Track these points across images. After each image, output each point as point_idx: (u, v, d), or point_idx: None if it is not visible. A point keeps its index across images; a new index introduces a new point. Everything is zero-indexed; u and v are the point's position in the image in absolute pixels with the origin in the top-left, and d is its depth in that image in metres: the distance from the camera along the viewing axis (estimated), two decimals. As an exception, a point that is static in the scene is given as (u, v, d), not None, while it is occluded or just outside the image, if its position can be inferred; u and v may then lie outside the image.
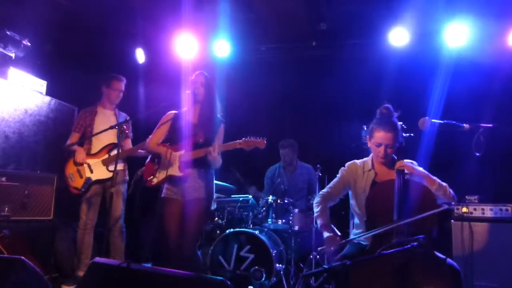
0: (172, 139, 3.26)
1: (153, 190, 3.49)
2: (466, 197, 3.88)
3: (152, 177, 3.25)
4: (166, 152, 3.18)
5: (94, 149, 3.97)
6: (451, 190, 2.67)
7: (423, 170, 2.72)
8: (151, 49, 5.54)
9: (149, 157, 3.38)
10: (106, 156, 3.95)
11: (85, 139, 3.98)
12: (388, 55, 4.84)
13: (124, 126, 3.31)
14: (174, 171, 3.16)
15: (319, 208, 2.85)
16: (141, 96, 5.43)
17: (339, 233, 2.65)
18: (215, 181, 3.36)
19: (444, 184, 2.68)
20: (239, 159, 4.78)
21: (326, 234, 2.63)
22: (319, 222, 2.79)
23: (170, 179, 3.19)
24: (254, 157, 5.17)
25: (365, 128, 2.89)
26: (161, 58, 5.45)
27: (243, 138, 3.07)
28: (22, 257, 1.90)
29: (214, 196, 3.38)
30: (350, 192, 2.94)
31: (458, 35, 4.53)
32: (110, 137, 3.94)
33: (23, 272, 1.85)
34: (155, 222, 4.87)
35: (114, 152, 3.92)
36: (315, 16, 5.02)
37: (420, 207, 2.43)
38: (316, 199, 2.92)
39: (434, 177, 2.69)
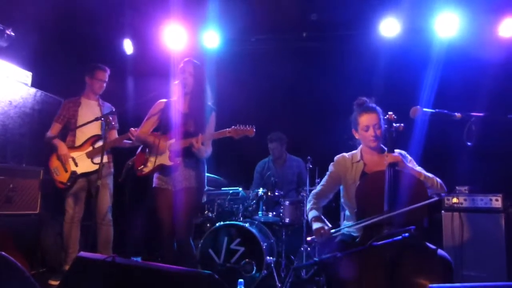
0: (163, 128, 3.20)
1: (143, 181, 3.44)
2: (457, 187, 3.89)
3: (142, 166, 3.22)
4: (155, 140, 3.14)
5: (78, 142, 3.89)
6: (438, 180, 2.63)
7: (410, 165, 2.69)
8: (139, 40, 5.44)
9: (140, 147, 3.34)
10: (90, 148, 3.87)
11: (69, 131, 3.91)
12: (379, 46, 4.82)
13: (110, 118, 3.23)
14: (164, 160, 3.13)
15: (310, 204, 2.83)
16: (129, 88, 5.34)
17: (329, 225, 2.61)
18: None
19: (430, 175, 2.64)
20: (230, 153, 4.73)
21: (315, 226, 2.60)
22: (309, 215, 2.76)
23: (160, 168, 3.16)
24: (245, 151, 5.16)
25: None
26: (150, 49, 5.36)
27: (232, 127, 3.05)
28: (2, 252, 1.84)
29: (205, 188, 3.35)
30: (341, 186, 2.91)
31: (449, 26, 4.52)
32: (94, 128, 3.86)
33: (3, 267, 1.80)
34: (146, 213, 4.83)
35: (98, 144, 3.85)
36: (306, 6, 4.97)
37: (411, 198, 2.41)
38: (309, 198, 2.90)
39: (420, 170, 2.67)
